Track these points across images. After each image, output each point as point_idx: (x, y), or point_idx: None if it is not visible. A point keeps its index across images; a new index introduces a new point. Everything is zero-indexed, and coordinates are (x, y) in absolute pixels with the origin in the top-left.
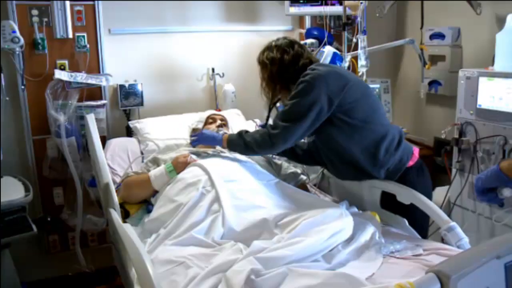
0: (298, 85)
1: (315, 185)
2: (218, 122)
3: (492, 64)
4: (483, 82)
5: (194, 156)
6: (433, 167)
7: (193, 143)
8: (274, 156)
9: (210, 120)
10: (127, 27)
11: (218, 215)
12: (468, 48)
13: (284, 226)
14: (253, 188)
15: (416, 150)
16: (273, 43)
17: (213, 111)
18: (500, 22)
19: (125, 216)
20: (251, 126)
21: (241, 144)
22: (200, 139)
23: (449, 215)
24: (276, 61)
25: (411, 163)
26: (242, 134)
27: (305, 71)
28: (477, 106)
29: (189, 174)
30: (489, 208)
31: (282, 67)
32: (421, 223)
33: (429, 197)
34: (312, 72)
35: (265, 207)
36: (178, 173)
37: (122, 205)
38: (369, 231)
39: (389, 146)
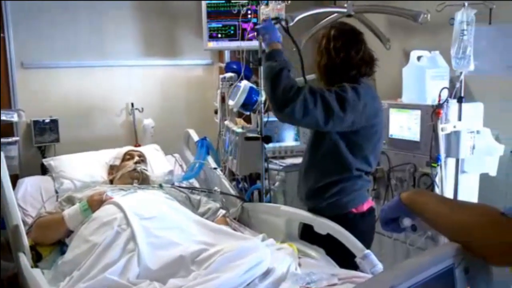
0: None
1: (235, 218)
2: (136, 158)
3: (401, 96)
4: (393, 113)
5: (110, 194)
6: None
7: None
8: (192, 191)
9: (128, 157)
10: (42, 60)
11: (134, 254)
12: (381, 80)
13: (201, 262)
14: (170, 225)
15: (367, 204)
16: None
17: (130, 147)
18: (407, 57)
19: (37, 259)
20: (171, 162)
21: (273, 73)
22: (266, 28)
23: (369, 243)
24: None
25: (355, 210)
26: (283, 69)
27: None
28: (389, 136)
29: (104, 212)
30: (404, 233)
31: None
32: (340, 252)
33: (371, 241)
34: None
35: (182, 244)
36: (93, 211)
37: (34, 248)
38: (286, 263)
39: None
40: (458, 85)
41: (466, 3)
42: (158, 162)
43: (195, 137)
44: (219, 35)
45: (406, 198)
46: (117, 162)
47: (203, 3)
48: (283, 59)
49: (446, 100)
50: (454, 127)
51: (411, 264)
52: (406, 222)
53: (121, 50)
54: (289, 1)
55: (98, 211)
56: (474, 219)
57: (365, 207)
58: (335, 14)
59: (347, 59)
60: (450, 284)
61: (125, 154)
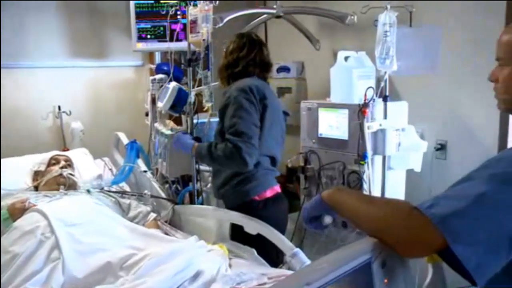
0: None
1: (166, 221)
2: (62, 163)
3: (330, 96)
4: (322, 112)
5: (33, 201)
6: (286, 195)
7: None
8: (123, 195)
9: (53, 162)
10: None
11: (58, 262)
12: (311, 80)
13: (130, 267)
14: (97, 230)
15: (272, 190)
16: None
17: (56, 152)
18: (336, 57)
19: None
20: (100, 166)
21: (209, 158)
22: (176, 142)
23: (302, 240)
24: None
25: (257, 198)
26: (211, 146)
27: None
28: (318, 135)
29: (26, 221)
30: (335, 230)
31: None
32: (271, 252)
33: (282, 226)
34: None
35: (109, 249)
36: (14, 220)
37: None
38: (216, 265)
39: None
40: (382, 84)
41: (388, 6)
42: (87, 166)
43: (125, 140)
44: (148, 36)
45: (326, 196)
46: (42, 168)
47: (131, 3)
48: (201, 147)
49: (372, 99)
50: (380, 125)
51: (327, 260)
52: (327, 219)
53: (45, 51)
54: (217, 2)
55: (20, 219)
56: (389, 214)
57: (269, 194)
58: (265, 15)
59: (236, 59)
60: (368, 278)
61: (51, 159)
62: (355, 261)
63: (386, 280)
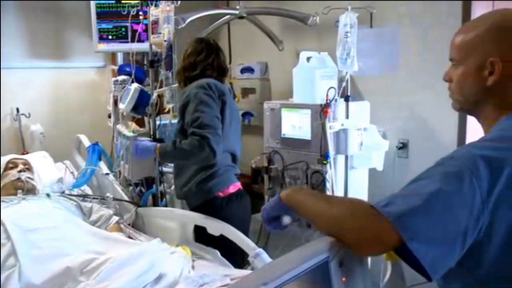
0: None
1: (129, 224)
2: (20, 166)
3: (293, 96)
4: (285, 113)
5: None
6: (252, 195)
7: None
8: (84, 199)
9: (10, 165)
10: None
11: (14, 269)
12: (275, 81)
13: (90, 272)
14: (56, 236)
15: (234, 186)
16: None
17: (14, 155)
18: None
19: None
20: (61, 169)
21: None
22: (137, 151)
23: (267, 240)
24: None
25: (221, 194)
26: (175, 142)
27: None
28: (282, 136)
29: None
30: (300, 229)
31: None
32: (236, 252)
33: (246, 223)
34: None
35: (69, 254)
36: None
37: None
38: (179, 267)
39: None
40: (344, 84)
41: (349, 7)
42: (47, 170)
43: (87, 142)
44: (110, 37)
45: (284, 197)
46: None
47: (92, 3)
48: (165, 145)
49: (334, 99)
50: (342, 125)
51: (285, 260)
52: (286, 219)
53: (3, 51)
54: (179, 3)
55: None
56: (346, 213)
57: (232, 189)
58: (228, 16)
59: (194, 62)
60: (326, 277)
61: (8, 162)
62: (312, 260)
63: (344, 279)
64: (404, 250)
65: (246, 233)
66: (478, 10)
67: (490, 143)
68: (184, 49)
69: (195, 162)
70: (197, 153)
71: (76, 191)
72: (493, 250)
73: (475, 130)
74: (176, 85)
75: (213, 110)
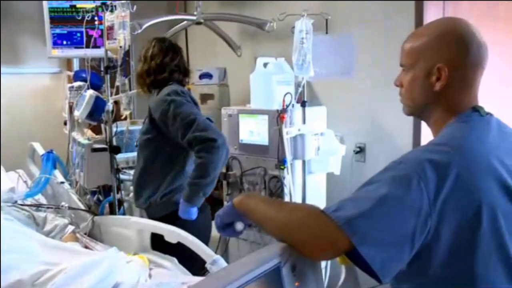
0: None
1: (86, 233)
2: None
3: (250, 102)
4: (242, 118)
5: None
6: (211, 201)
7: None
8: (38, 208)
9: None
10: None
11: None
12: (234, 86)
13: (43, 284)
14: (6, 248)
15: None
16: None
17: None
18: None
19: None
20: (14, 178)
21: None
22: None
23: (226, 247)
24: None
25: None
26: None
27: None
28: (240, 141)
29: None
30: (259, 235)
31: None
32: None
33: (207, 233)
34: None
35: (19, 267)
36: None
37: None
38: (135, 276)
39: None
40: (300, 90)
41: (305, 14)
42: None
43: (41, 150)
44: (64, 42)
45: (237, 203)
46: None
47: (45, 7)
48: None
49: (291, 105)
50: (299, 130)
51: (235, 266)
52: (239, 226)
53: None
54: (134, 8)
55: None
56: (296, 219)
57: None
58: (185, 22)
59: (161, 64)
60: (278, 282)
61: None
62: (263, 266)
63: (297, 283)
64: (355, 253)
65: (206, 241)
66: (430, 10)
67: (437, 147)
68: (143, 51)
69: (222, 164)
70: (217, 160)
71: (29, 201)
72: (441, 252)
73: (429, 134)
74: (134, 91)
75: (200, 112)
